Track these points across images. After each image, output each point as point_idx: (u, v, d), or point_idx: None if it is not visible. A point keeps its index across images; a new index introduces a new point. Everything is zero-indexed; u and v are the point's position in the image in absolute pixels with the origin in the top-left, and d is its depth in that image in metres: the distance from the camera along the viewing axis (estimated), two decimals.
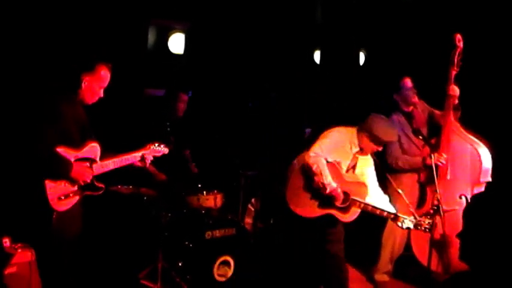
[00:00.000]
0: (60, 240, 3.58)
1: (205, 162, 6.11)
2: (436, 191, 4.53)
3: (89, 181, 3.63)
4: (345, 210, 4.63)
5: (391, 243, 5.44)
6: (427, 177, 5.18)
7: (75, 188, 3.61)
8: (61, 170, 3.49)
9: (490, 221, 5.57)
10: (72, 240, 3.68)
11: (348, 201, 4.60)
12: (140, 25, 6.96)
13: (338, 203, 4.60)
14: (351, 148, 4.74)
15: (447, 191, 4.84)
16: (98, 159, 3.75)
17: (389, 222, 5.43)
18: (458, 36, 4.95)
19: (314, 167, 4.57)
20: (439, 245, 4.82)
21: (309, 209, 4.68)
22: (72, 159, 3.55)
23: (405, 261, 5.54)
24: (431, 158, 4.69)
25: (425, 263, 4.79)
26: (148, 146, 4.14)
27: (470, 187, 5.01)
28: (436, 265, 4.91)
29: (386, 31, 7.45)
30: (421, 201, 5.30)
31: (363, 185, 4.68)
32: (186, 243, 4.91)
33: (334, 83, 7.98)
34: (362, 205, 4.58)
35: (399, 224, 4.56)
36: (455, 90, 4.96)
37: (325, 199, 4.62)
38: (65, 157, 3.50)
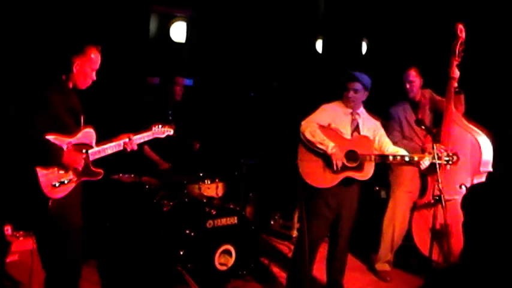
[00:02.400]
0: (61, 228, 3.57)
1: (206, 151, 6.11)
2: (438, 181, 4.54)
3: (80, 168, 3.60)
4: (359, 168, 4.63)
5: (390, 232, 5.46)
6: (428, 166, 5.17)
7: (70, 174, 3.59)
8: (51, 157, 3.47)
9: (490, 211, 5.55)
10: (74, 230, 3.68)
11: (358, 160, 4.61)
12: (142, 13, 6.93)
13: (339, 164, 4.59)
14: (343, 112, 4.79)
15: (447, 180, 4.84)
16: (93, 144, 3.74)
17: (389, 211, 5.47)
18: (460, 26, 4.94)
19: (307, 132, 4.66)
20: (440, 235, 4.82)
21: (325, 178, 4.66)
22: (65, 146, 3.54)
23: (406, 251, 5.55)
24: (434, 148, 4.69)
25: (426, 252, 4.81)
26: (151, 127, 4.14)
27: (470, 177, 5.02)
28: (437, 255, 4.92)
29: (388, 20, 7.42)
30: (422, 191, 5.31)
31: (365, 138, 4.73)
32: (187, 231, 4.91)
33: (336, 73, 7.95)
34: (373, 157, 4.61)
35: (420, 164, 4.62)
36: (456, 72, 4.98)
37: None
38: (54, 143, 3.48)
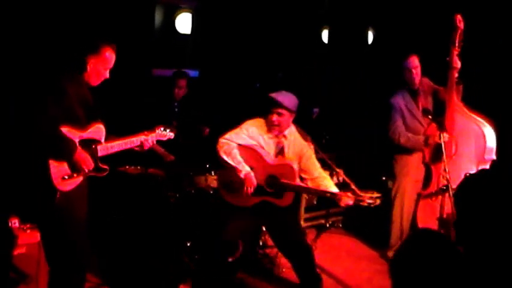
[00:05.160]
0: (67, 221, 3.56)
1: (213, 142, 6.11)
2: (445, 170, 4.52)
3: (87, 170, 3.59)
4: (278, 195, 4.44)
5: (399, 221, 5.47)
6: (432, 157, 5.18)
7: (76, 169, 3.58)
8: (65, 151, 3.45)
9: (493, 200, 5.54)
10: (80, 222, 3.68)
11: (277, 185, 4.42)
12: (147, 4, 6.92)
13: (249, 191, 4.41)
14: (263, 134, 4.56)
15: (452, 169, 4.80)
16: (102, 140, 3.74)
17: (397, 202, 5.46)
18: (459, 16, 4.92)
19: (222, 152, 4.47)
20: (447, 224, 4.80)
21: (242, 197, 4.48)
22: (77, 140, 3.53)
23: None
24: (440, 138, 4.67)
25: None
26: (155, 129, 4.12)
27: (475, 165, 5.00)
28: None
29: (394, 9, 7.38)
30: (426, 181, 5.29)
31: (289, 167, 4.45)
32: (194, 223, 4.91)
33: (343, 62, 7.93)
34: (292, 187, 4.39)
35: (339, 202, 4.34)
36: (457, 62, 4.94)
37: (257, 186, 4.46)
38: (69, 138, 3.47)
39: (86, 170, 3.57)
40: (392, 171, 5.58)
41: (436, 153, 5.05)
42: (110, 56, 3.69)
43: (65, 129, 3.46)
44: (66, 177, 3.50)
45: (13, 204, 4.05)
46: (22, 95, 3.58)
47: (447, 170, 4.56)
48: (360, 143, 7.17)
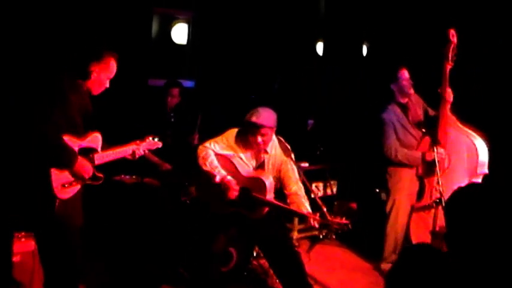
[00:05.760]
0: (63, 229, 3.57)
1: None
2: (438, 183, 4.56)
3: (87, 177, 3.62)
4: (251, 208, 4.45)
5: (393, 235, 5.47)
6: (425, 170, 5.23)
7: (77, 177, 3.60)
8: (67, 159, 3.48)
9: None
10: (75, 231, 3.68)
11: (249, 198, 4.42)
12: (144, 14, 6.94)
13: (232, 195, 4.43)
14: (244, 146, 4.57)
15: (445, 182, 4.84)
16: (99, 149, 3.76)
17: (391, 217, 5.46)
18: (452, 31, 4.98)
19: (200, 158, 4.51)
20: (440, 237, 4.83)
21: (219, 204, 4.53)
22: (76, 148, 3.55)
23: None
24: (434, 151, 4.72)
25: None
26: (145, 138, 4.16)
27: (467, 179, 5.03)
28: None
29: (389, 23, 7.44)
30: (419, 194, 5.33)
31: (260, 180, 4.40)
32: (189, 233, 4.92)
33: (337, 75, 7.97)
34: (261, 201, 4.38)
35: (310, 222, 4.39)
36: (450, 95, 5.00)
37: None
38: (70, 147, 3.50)
39: (87, 178, 3.59)
40: (386, 185, 5.59)
41: (429, 167, 5.10)
42: (113, 65, 3.73)
43: (66, 138, 3.48)
44: (66, 185, 3.51)
45: (9, 211, 4.03)
46: (26, 101, 3.58)
47: (440, 183, 4.60)
48: (354, 155, 7.19)
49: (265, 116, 4.39)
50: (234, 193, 4.42)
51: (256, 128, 4.36)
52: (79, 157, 3.53)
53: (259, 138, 4.39)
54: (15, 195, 3.56)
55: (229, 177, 4.44)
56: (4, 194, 3.67)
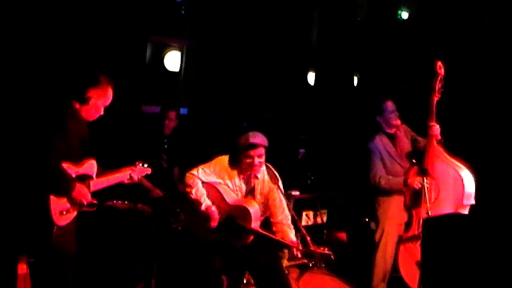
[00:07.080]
0: (59, 255, 3.60)
1: None
2: (428, 213, 4.61)
3: (86, 203, 3.66)
4: (237, 235, 4.48)
5: (383, 262, 5.48)
6: (412, 201, 5.25)
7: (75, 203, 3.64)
8: (65, 187, 3.52)
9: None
10: (69, 257, 3.70)
11: (234, 226, 4.46)
12: (138, 42, 7.01)
13: (213, 225, 4.51)
14: (234, 173, 4.63)
15: (432, 214, 4.88)
16: (94, 176, 3.80)
17: (381, 246, 5.48)
18: (439, 63, 5.04)
19: (187, 184, 4.57)
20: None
21: (204, 230, 4.58)
22: (74, 175, 3.60)
23: (396, 282, 5.59)
24: (423, 181, 4.79)
25: (412, 285, 4.85)
26: (136, 164, 4.20)
27: (454, 210, 5.04)
28: None
29: (379, 55, 7.55)
30: (407, 224, 5.36)
31: (245, 209, 4.43)
32: (181, 259, 4.93)
33: (328, 105, 8.05)
34: (245, 229, 4.42)
35: (293, 251, 4.36)
36: (436, 129, 5.05)
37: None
38: (70, 175, 3.54)
39: (85, 204, 3.62)
40: (375, 214, 5.63)
41: (416, 197, 5.13)
42: (110, 93, 3.80)
43: (65, 165, 3.52)
44: (64, 212, 3.54)
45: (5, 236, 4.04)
46: (27, 130, 3.63)
47: (430, 213, 4.65)
48: (344, 184, 7.24)
49: (261, 137, 4.48)
50: (214, 223, 4.49)
51: (253, 149, 4.41)
52: (77, 183, 3.57)
53: (257, 160, 4.44)
54: (14, 222, 3.59)
55: (213, 208, 4.50)
56: (6, 221, 3.69)
